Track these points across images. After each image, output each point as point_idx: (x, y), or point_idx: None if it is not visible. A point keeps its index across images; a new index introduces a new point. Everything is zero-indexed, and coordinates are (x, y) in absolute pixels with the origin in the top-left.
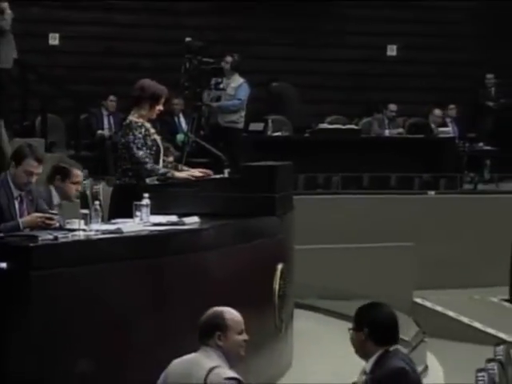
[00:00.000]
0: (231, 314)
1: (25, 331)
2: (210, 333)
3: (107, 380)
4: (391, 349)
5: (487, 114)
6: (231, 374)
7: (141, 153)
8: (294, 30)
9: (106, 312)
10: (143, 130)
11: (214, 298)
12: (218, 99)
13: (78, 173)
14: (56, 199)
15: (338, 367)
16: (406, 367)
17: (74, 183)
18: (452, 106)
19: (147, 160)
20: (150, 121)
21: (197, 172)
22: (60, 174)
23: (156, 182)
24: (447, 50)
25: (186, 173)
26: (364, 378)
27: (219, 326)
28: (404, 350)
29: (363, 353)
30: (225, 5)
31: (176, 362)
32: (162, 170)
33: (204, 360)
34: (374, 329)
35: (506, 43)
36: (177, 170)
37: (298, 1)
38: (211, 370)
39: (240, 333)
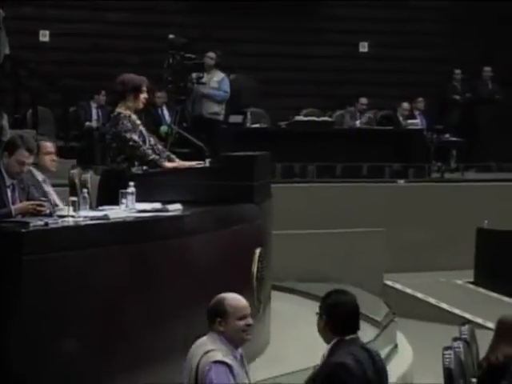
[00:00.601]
0: (232, 300)
1: (17, 313)
2: (212, 319)
3: (96, 360)
4: (347, 338)
5: (454, 107)
6: (220, 357)
7: (135, 137)
8: (271, 29)
9: (94, 295)
10: (131, 121)
11: (196, 281)
12: (201, 93)
13: (47, 144)
14: (40, 177)
15: (313, 346)
16: (348, 362)
17: (46, 154)
18: (420, 100)
19: (141, 144)
20: (135, 113)
21: (186, 164)
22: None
23: (141, 171)
24: (415, 47)
25: (175, 164)
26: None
27: (219, 312)
28: (361, 340)
29: (324, 338)
30: (206, 4)
31: (195, 343)
32: (154, 157)
33: (206, 343)
34: (331, 317)
35: (470, 41)
36: (169, 159)
37: (276, 0)
38: (206, 353)
39: (241, 318)
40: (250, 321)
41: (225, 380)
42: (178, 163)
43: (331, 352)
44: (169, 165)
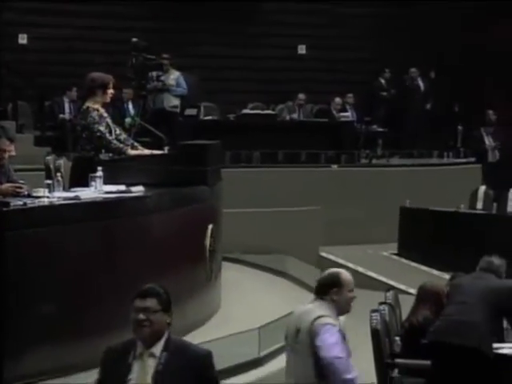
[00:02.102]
0: (346, 274)
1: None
2: (327, 288)
3: (68, 323)
4: None
5: (380, 102)
6: (331, 321)
7: (102, 128)
8: (221, 33)
9: (67, 266)
10: (99, 114)
11: (156, 253)
12: (160, 90)
13: (4, 141)
14: None
15: (258, 309)
16: None
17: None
18: (350, 95)
19: (106, 135)
20: (103, 106)
21: (146, 152)
22: None
23: (108, 158)
24: (347, 49)
25: (138, 151)
26: None
27: (336, 283)
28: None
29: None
30: (165, 12)
31: (296, 309)
32: (118, 145)
33: (315, 309)
34: None
35: (395, 44)
36: (133, 147)
37: (226, 10)
38: (318, 317)
39: (351, 291)
40: (354, 294)
41: (336, 340)
42: (141, 151)
43: None
44: (132, 152)
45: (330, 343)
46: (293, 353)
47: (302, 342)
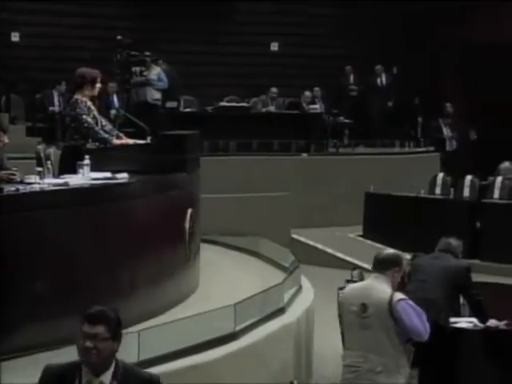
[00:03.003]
0: (402, 257)
1: None
2: (390, 265)
3: (59, 299)
4: None
5: (346, 95)
6: (402, 296)
7: (89, 119)
8: (200, 32)
9: (57, 247)
10: (86, 106)
11: (139, 236)
12: (143, 84)
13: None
14: None
15: (234, 287)
16: None
17: None
18: (317, 89)
19: (94, 125)
20: (90, 99)
21: (130, 141)
22: None
23: (94, 147)
24: (316, 46)
25: (122, 141)
26: None
27: (398, 263)
28: None
29: None
30: (147, 12)
31: (352, 287)
32: (104, 136)
33: (379, 285)
34: None
35: (360, 41)
36: (118, 137)
37: (204, 8)
38: (392, 294)
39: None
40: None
41: (413, 309)
42: (125, 140)
43: None
44: (117, 141)
45: (409, 314)
46: (359, 328)
47: (373, 315)
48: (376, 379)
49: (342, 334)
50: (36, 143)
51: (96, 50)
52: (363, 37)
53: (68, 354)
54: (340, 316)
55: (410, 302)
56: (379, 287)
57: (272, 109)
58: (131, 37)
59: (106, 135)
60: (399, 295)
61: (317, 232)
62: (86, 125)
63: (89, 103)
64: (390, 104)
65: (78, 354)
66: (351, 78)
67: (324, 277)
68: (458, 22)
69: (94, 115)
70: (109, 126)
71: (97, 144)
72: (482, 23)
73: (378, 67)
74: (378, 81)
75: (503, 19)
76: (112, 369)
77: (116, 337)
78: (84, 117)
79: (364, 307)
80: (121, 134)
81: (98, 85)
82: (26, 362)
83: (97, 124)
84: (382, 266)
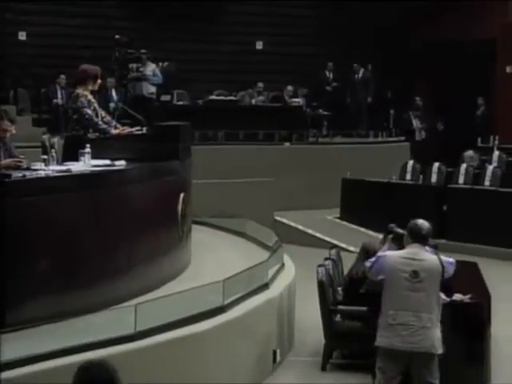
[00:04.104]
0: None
1: (2, 242)
2: (428, 238)
3: (62, 276)
4: None
5: (325, 90)
6: (450, 259)
7: (89, 112)
8: (191, 31)
9: (60, 228)
10: (87, 99)
11: (136, 218)
12: (139, 79)
13: (6, 123)
14: None
15: (223, 265)
16: None
17: (4, 130)
18: (304, 90)
19: (93, 117)
20: (91, 93)
21: (126, 131)
22: None
23: (94, 136)
24: (297, 45)
25: (118, 131)
26: None
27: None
28: None
29: None
30: (143, 12)
31: (393, 254)
32: (103, 126)
33: (423, 250)
34: None
35: (339, 40)
36: (116, 128)
37: (195, 9)
38: (438, 255)
39: None
40: None
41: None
42: (123, 130)
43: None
44: (115, 132)
45: (450, 265)
46: (411, 291)
47: (426, 280)
48: (426, 333)
49: (384, 296)
50: (41, 133)
51: (96, 48)
52: (341, 36)
53: (70, 327)
54: (384, 280)
55: (451, 260)
56: (426, 256)
57: (257, 102)
58: (128, 36)
59: (105, 126)
60: (446, 258)
61: (298, 214)
62: (86, 117)
63: (89, 97)
64: (364, 98)
65: None
66: (330, 74)
67: (304, 255)
68: (428, 23)
69: (94, 108)
70: (108, 118)
71: (97, 134)
72: (449, 23)
73: (355, 65)
74: (356, 77)
75: (468, 20)
76: None
77: None
78: (85, 109)
79: (416, 274)
80: (118, 125)
81: (99, 80)
82: (32, 332)
83: (97, 116)
84: (425, 238)
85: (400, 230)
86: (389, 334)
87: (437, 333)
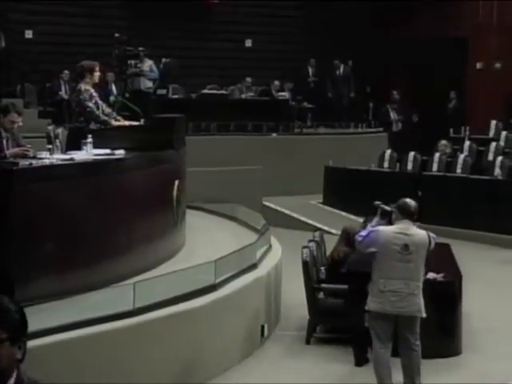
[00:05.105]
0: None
1: (9, 226)
2: (415, 215)
3: (66, 256)
4: None
5: (309, 84)
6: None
7: (91, 105)
8: (186, 30)
9: (64, 212)
10: (89, 93)
11: (134, 203)
12: (137, 74)
13: (14, 115)
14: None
15: (214, 246)
16: None
17: (12, 122)
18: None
19: (95, 110)
20: (92, 87)
21: (126, 123)
22: (2, 112)
23: (96, 127)
24: (284, 43)
25: (119, 123)
26: None
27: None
28: None
29: None
30: (141, 12)
31: (386, 229)
32: (104, 118)
33: (413, 226)
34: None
35: (322, 39)
36: (115, 119)
37: (190, 9)
38: (428, 234)
39: None
40: None
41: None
42: (122, 122)
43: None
44: (115, 123)
45: (433, 240)
46: (402, 262)
47: (415, 252)
48: (414, 299)
49: (375, 266)
50: (46, 124)
51: (97, 46)
52: (324, 35)
53: (73, 304)
54: (376, 253)
55: (434, 236)
56: (415, 231)
57: (247, 96)
58: (127, 34)
59: (106, 118)
60: (431, 234)
61: (284, 200)
62: (88, 109)
63: (91, 90)
64: (345, 92)
65: None
66: (313, 69)
67: (290, 237)
68: (404, 23)
69: (95, 101)
70: (108, 110)
71: (98, 125)
72: (424, 23)
73: (336, 61)
74: (337, 72)
75: (441, 20)
76: (12, 381)
77: (15, 341)
78: (86, 103)
79: (406, 247)
80: (118, 117)
81: (97, 73)
82: (38, 309)
83: (98, 108)
84: (414, 215)
85: (387, 207)
86: (381, 300)
87: (421, 299)
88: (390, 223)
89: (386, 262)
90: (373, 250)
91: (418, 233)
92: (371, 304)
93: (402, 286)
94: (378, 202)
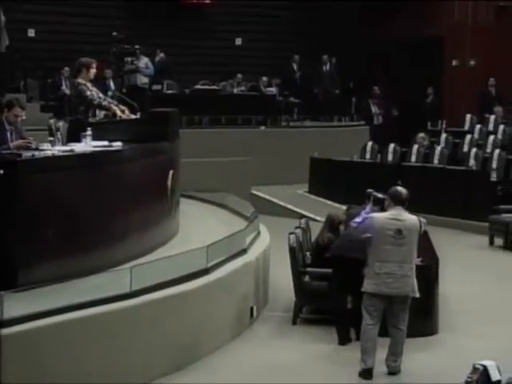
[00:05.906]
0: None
1: (14, 214)
2: (407, 202)
3: (67, 242)
4: None
5: (295, 80)
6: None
7: (89, 93)
8: (180, 28)
9: (65, 200)
10: (87, 86)
11: (131, 192)
12: (134, 71)
13: (18, 109)
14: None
15: (206, 232)
16: None
17: (16, 115)
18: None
19: (95, 97)
20: (90, 82)
21: (127, 111)
22: (6, 106)
23: (95, 121)
24: (272, 41)
25: (122, 113)
26: None
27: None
28: None
29: None
30: (138, 12)
31: (380, 216)
32: (105, 103)
33: (406, 214)
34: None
35: (307, 37)
36: (116, 106)
37: (184, 9)
38: (419, 219)
39: None
40: None
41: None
42: (121, 112)
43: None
44: (118, 112)
45: (423, 224)
46: (395, 246)
47: (408, 236)
48: (407, 280)
49: (370, 250)
50: (48, 118)
51: (96, 44)
52: (310, 34)
53: (73, 287)
54: (371, 238)
55: (424, 220)
56: (407, 217)
57: (237, 91)
58: (124, 33)
59: (106, 102)
60: (422, 219)
61: (272, 189)
62: (88, 98)
63: (88, 84)
64: (330, 87)
65: None
66: (297, 65)
67: (277, 224)
68: (384, 22)
69: (94, 91)
70: (108, 99)
71: (97, 118)
72: (403, 23)
73: (324, 57)
74: (324, 68)
75: (419, 19)
76: None
77: None
78: (85, 92)
79: (400, 232)
80: (123, 107)
81: (93, 70)
82: (40, 292)
83: (98, 97)
84: (405, 201)
85: (380, 195)
86: (376, 282)
87: (415, 280)
88: (383, 210)
89: (380, 247)
90: (368, 235)
91: (410, 218)
92: (367, 286)
93: (396, 269)
94: (370, 190)
